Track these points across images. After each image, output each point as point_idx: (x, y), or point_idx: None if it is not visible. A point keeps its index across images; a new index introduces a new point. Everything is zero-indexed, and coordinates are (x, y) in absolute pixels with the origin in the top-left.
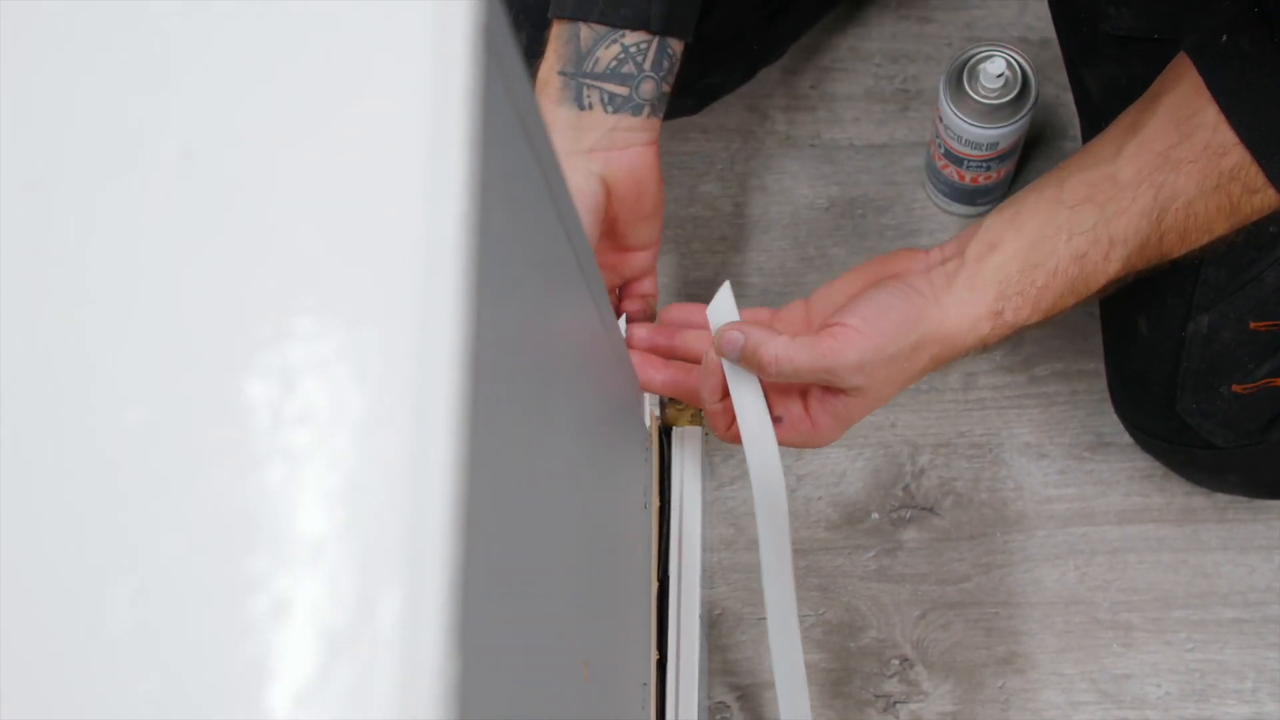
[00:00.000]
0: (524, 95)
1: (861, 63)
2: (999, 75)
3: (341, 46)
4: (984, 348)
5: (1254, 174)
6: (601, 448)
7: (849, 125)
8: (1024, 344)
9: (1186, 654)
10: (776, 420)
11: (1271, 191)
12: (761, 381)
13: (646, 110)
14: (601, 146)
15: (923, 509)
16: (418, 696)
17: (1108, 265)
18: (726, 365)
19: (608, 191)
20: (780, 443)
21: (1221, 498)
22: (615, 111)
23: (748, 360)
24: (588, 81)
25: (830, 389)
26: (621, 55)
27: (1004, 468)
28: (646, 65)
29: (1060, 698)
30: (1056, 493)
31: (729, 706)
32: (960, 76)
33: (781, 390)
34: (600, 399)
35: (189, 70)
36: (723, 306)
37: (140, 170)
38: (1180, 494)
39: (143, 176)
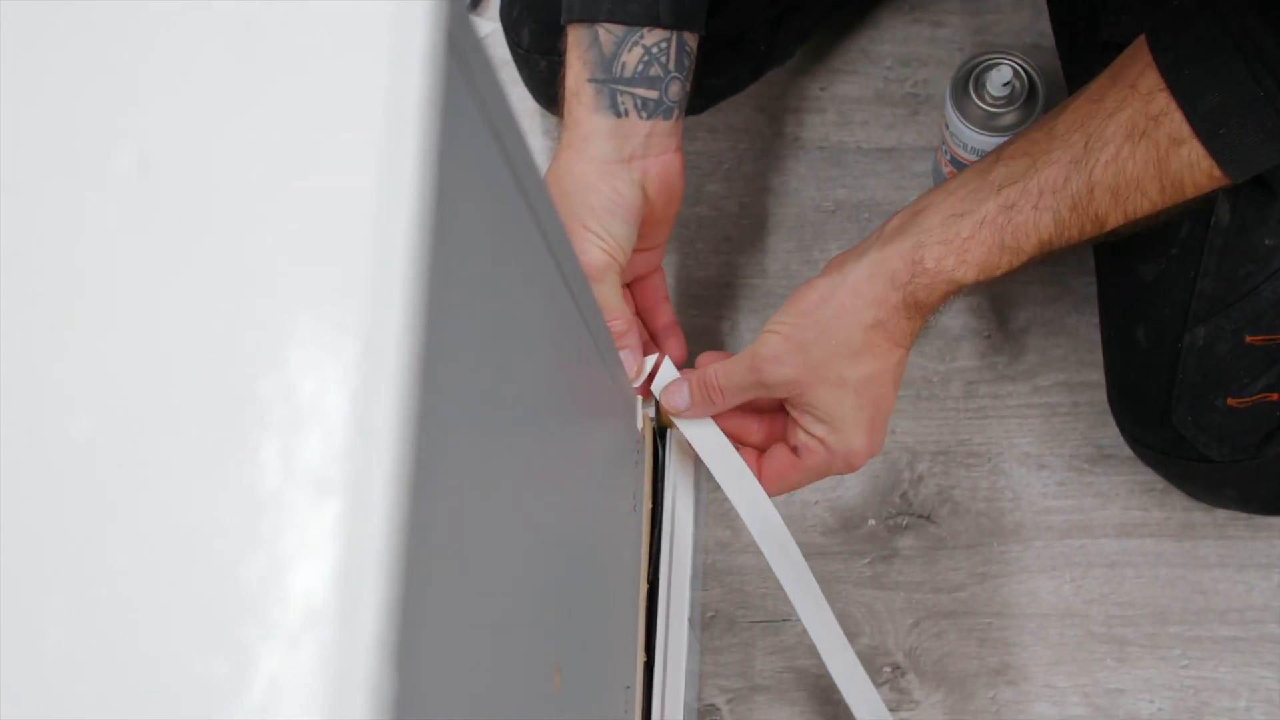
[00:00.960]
0: (494, 98)
1: (872, 66)
2: (1005, 84)
3: (300, 49)
4: (917, 306)
5: (1179, 121)
6: (579, 449)
7: (858, 128)
8: (1027, 354)
9: (1181, 670)
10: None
11: (1196, 145)
12: (741, 447)
13: (675, 113)
14: (639, 154)
15: (920, 517)
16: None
17: (1038, 216)
18: (692, 438)
19: (645, 199)
20: (798, 487)
21: (1221, 514)
22: (649, 117)
23: (699, 401)
24: (620, 88)
25: (796, 409)
26: (645, 58)
27: (1003, 477)
28: (670, 65)
29: (1052, 710)
30: (1055, 504)
31: (719, 709)
32: (966, 83)
33: (767, 438)
34: (579, 401)
35: (143, 74)
36: (665, 378)
37: (96, 174)
38: (1180, 509)
39: (99, 179)
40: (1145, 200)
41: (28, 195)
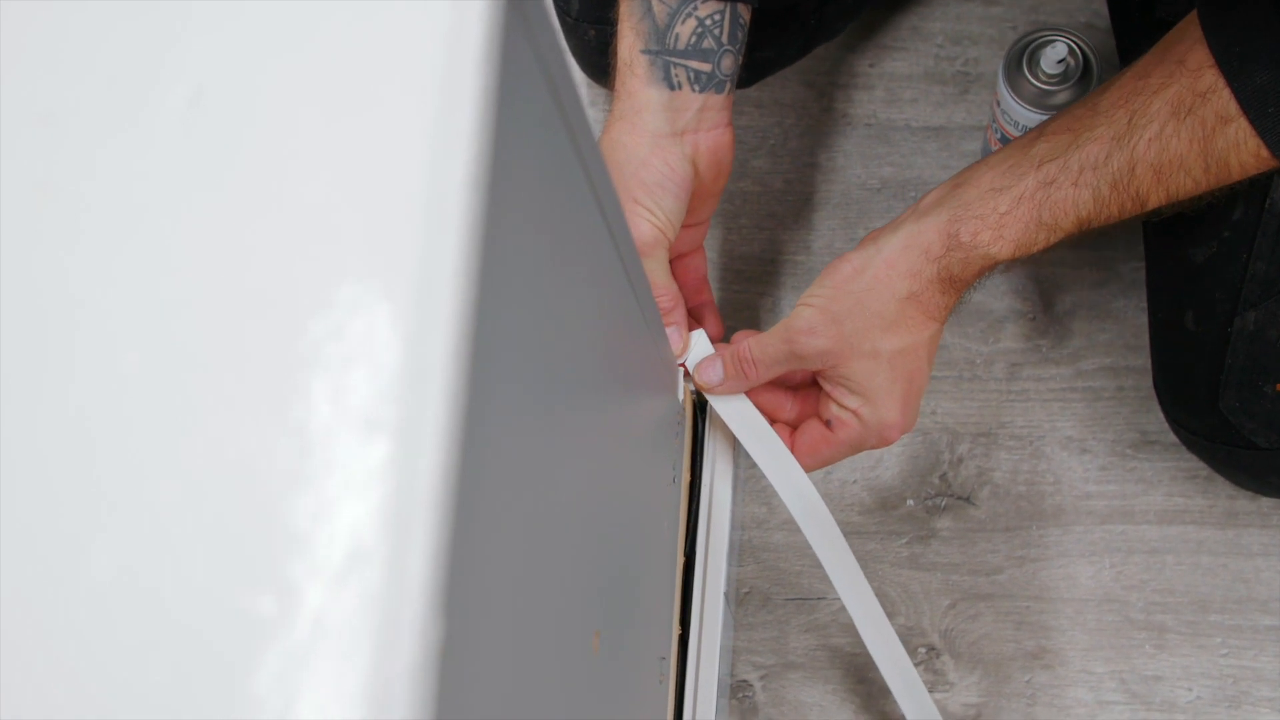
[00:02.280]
0: (554, 58)
1: (923, 43)
2: (1060, 61)
3: None
4: (951, 280)
5: (1226, 98)
6: (622, 415)
7: (906, 106)
8: (1072, 337)
9: (1220, 659)
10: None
11: (1244, 123)
12: (775, 423)
13: (727, 87)
14: (691, 128)
15: (959, 498)
16: (398, 661)
17: (1078, 193)
18: (725, 414)
19: (695, 174)
20: (832, 461)
21: (1266, 503)
22: (702, 90)
23: (733, 376)
24: (674, 60)
25: (829, 382)
26: (699, 29)
27: (1044, 461)
28: (724, 38)
29: (1088, 695)
30: (1097, 489)
31: (751, 685)
32: (1020, 59)
33: (800, 414)
34: (623, 368)
35: (198, 8)
36: (699, 353)
37: (150, 109)
38: (1224, 497)
39: (152, 115)
40: (1189, 180)
41: (82, 127)
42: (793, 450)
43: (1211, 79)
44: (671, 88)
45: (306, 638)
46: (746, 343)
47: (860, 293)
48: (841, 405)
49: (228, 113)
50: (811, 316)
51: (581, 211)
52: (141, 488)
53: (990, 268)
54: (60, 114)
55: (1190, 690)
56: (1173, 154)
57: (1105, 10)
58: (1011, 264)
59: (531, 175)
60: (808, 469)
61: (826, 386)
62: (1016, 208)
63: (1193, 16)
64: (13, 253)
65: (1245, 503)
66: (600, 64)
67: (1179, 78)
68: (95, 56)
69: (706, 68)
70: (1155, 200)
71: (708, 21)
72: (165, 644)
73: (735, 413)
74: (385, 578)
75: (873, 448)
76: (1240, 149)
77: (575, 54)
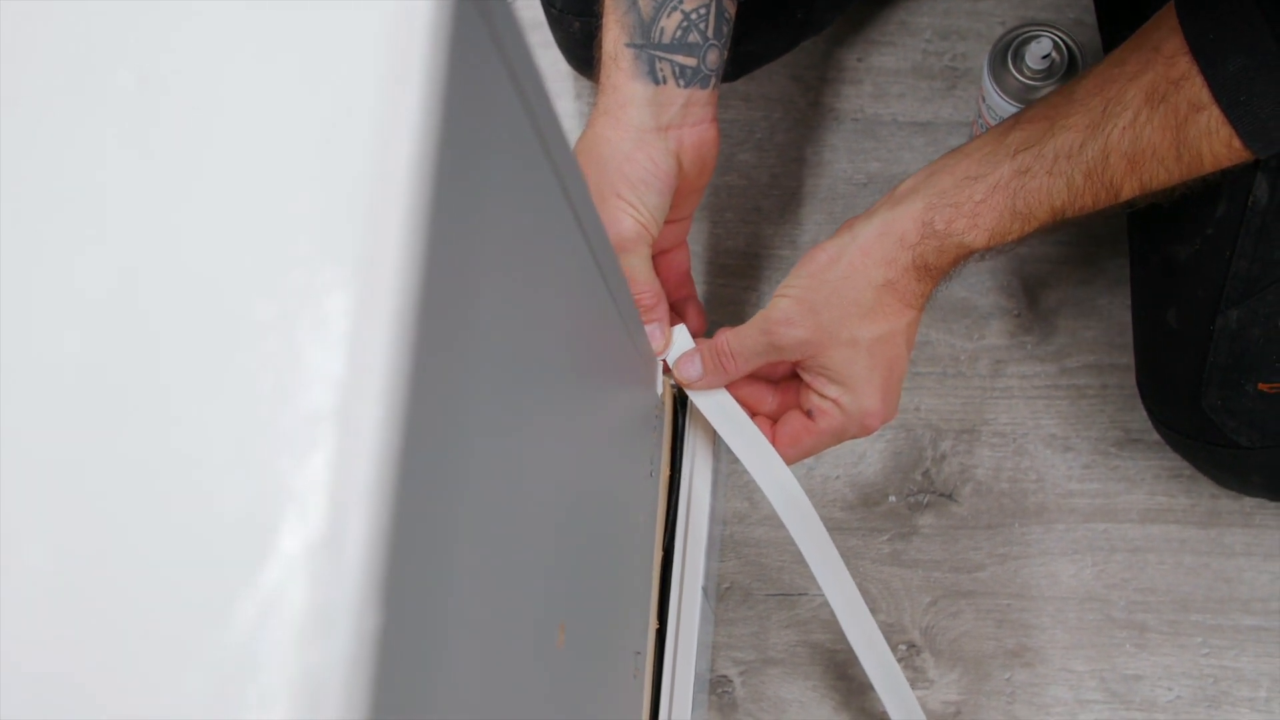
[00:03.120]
0: (515, 45)
1: (910, 38)
2: (1044, 56)
3: None
4: (927, 268)
5: (1199, 85)
6: (593, 409)
7: (893, 101)
8: (1057, 334)
9: (1201, 658)
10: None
11: (1216, 112)
12: (755, 416)
13: (712, 82)
14: (675, 123)
15: (941, 495)
16: (329, 648)
17: (1052, 182)
18: (705, 409)
19: (680, 169)
20: (814, 452)
21: (1248, 502)
22: (687, 85)
23: (712, 370)
24: (658, 54)
25: (809, 372)
26: (684, 23)
27: (1027, 458)
28: (709, 33)
29: (1068, 694)
30: (1079, 487)
31: (731, 681)
32: (1005, 54)
33: (780, 407)
34: (594, 359)
35: None
36: (680, 349)
37: (96, 96)
38: (1207, 496)
39: (101, 96)
40: (1162, 170)
41: (32, 107)
42: (774, 442)
43: (1185, 66)
44: (656, 82)
45: (251, 626)
46: (724, 336)
47: (836, 281)
48: (822, 395)
49: (172, 98)
50: (788, 307)
51: (548, 201)
52: (84, 470)
53: (965, 256)
54: (9, 94)
55: (1170, 690)
56: (1146, 143)
57: (1093, 6)
58: (986, 253)
59: (489, 160)
60: (789, 460)
61: (806, 377)
62: (991, 196)
63: (1170, 5)
64: None
65: (1228, 502)
66: (585, 56)
67: (1154, 65)
68: (44, 40)
69: (692, 62)
70: (1129, 190)
71: (693, 16)
72: (100, 636)
73: (715, 407)
74: (324, 564)
75: (854, 437)
76: (1212, 138)
77: (560, 46)
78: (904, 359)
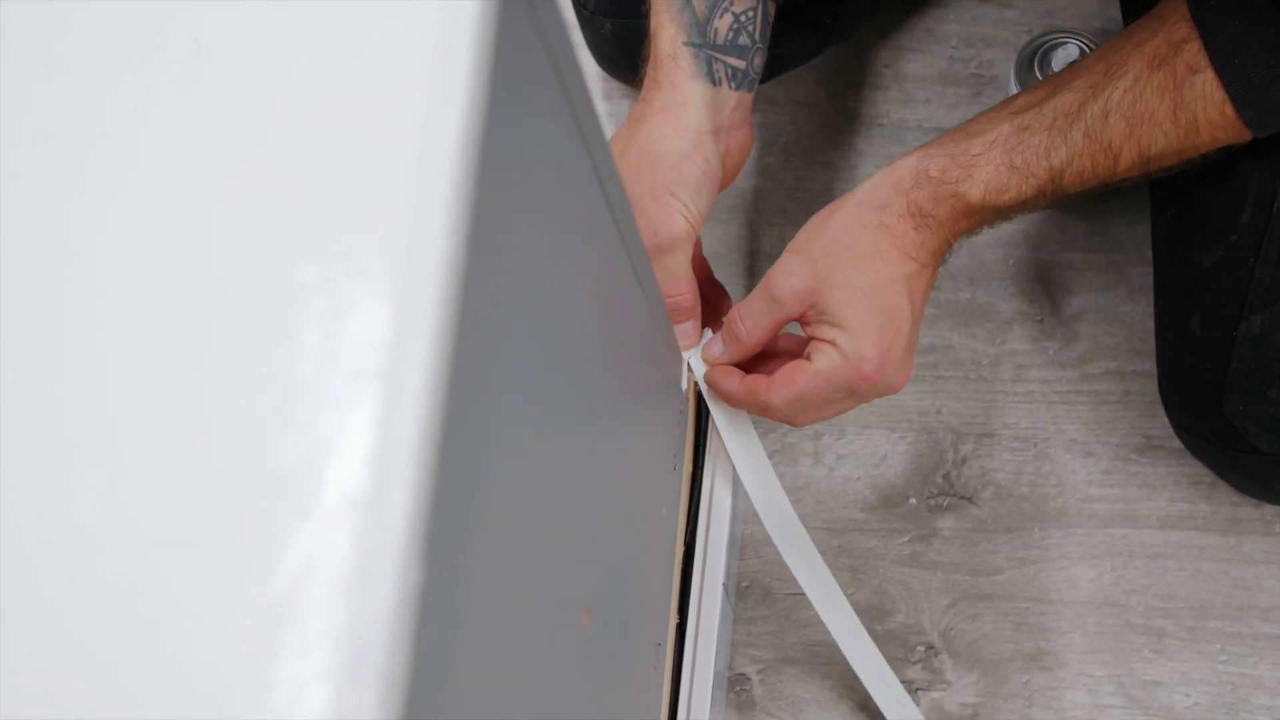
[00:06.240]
0: (558, 38)
1: (938, 45)
2: (1071, 63)
3: None
4: (922, 215)
5: (1197, 48)
6: (621, 395)
7: (920, 106)
8: (1079, 340)
9: (1220, 665)
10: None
11: (1210, 75)
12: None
13: (755, 85)
14: (725, 126)
15: (961, 498)
16: (372, 602)
17: (1050, 139)
18: (715, 409)
19: (724, 172)
20: (810, 398)
21: (1269, 510)
22: (738, 88)
23: (729, 341)
24: (715, 55)
25: (812, 325)
26: (735, 25)
27: (1048, 463)
28: (756, 35)
29: (1086, 699)
30: (1099, 492)
31: (749, 679)
32: (1032, 61)
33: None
34: (622, 350)
35: None
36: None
37: (151, 61)
38: (1227, 503)
39: (153, 67)
40: (1159, 134)
41: (87, 77)
42: (769, 386)
43: (1186, 30)
44: (713, 83)
45: (291, 581)
46: (734, 308)
47: (834, 229)
48: (820, 339)
49: (223, 68)
50: (786, 260)
51: (586, 191)
52: (132, 429)
53: (963, 211)
54: (66, 64)
55: (1189, 696)
56: (1145, 105)
57: (1119, 15)
58: (986, 214)
59: (531, 144)
60: (784, 404)
61: (808, 330)
62: (989, 150)
63: None
64: (14, 198)
65: (1248, 510)
66: (615, 57)
67: (1158, 30)
68: (99, 10)
69: (742, 65)
70: (1128, 156)
71: (743, 18)
72: (148, 587)
73: (724, 410)
74: (370, 523)
75: (851, 388)
76: (1207, 103)
77: (590, 47)
78: (904, 309)
